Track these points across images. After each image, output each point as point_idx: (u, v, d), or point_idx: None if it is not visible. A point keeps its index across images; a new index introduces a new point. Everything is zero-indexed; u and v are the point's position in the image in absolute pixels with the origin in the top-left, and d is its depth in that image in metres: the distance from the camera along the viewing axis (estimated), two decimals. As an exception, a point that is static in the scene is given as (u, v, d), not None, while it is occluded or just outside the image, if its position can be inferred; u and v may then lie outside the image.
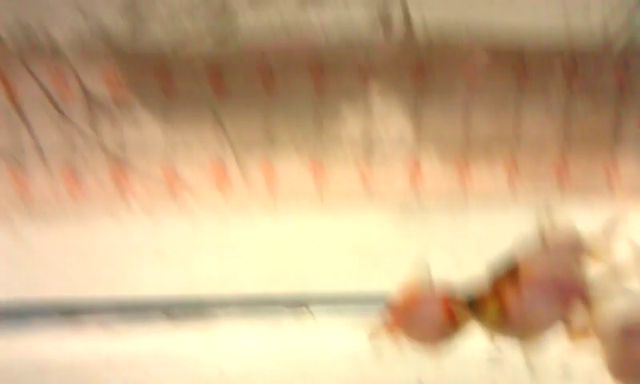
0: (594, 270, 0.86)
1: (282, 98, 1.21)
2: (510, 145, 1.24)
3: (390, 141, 1.24)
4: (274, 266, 1.28)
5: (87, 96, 1.18)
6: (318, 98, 1.21)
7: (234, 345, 1.18)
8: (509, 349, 0.91)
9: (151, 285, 1.27)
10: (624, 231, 0.92)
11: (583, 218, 0.98)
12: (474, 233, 1.26)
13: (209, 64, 1.18)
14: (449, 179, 1.26)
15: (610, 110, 1.23)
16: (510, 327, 0.81)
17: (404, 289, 0.93)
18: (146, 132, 1.21)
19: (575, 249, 0.88)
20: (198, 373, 1.10)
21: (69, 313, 1.23)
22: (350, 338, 1.20)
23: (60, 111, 1.18)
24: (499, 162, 1.25)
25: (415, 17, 1.19)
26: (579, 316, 0.83)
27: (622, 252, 0.86)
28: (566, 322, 0.84)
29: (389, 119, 1.23)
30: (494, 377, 1.04)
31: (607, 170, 1.25)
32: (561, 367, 1.07)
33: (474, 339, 0.90)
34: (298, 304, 1.29)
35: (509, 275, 0.82)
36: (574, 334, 0.85)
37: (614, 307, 0.83)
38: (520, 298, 0.81)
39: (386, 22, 1.19)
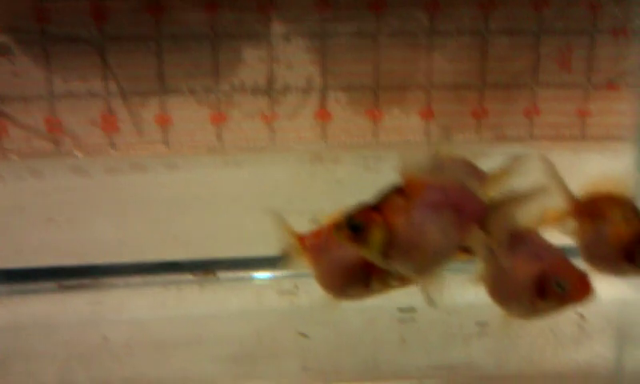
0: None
1: (176, 40, 1.10)
2: (425, 90, 1.15)
3: (297, 88, 1.15)
4: (174, 228, 1.19)
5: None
6: (215, 41, 1.11)
7: (123, 313, 1.10)
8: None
9: (41, 252, 1.17)
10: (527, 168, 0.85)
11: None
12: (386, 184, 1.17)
13: (94, 4, 1.07)
14: (360, 128, 1.17)
15: (530, 52, 1.14)
16: (400, 254, 0.70)
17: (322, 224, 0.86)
18: (26, 81, 1.10)
19: (471, 175, 0.79)
20: (80, 340, 1.01)
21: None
22: (247, 301, 1.12)
23: None
24: (413, 108, 1.16)
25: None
26: (476, 242, 0.74)
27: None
28: (463, 249, 0.75)
29: (294, 64, 1.14)
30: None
31: (528, 113, 1.17)
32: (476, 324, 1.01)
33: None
34: (202, 270, 1.20)
35: (396, 198, 0.70)
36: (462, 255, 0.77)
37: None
38: (409, 221, 0.69)
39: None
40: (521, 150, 1.16)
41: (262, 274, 1.19)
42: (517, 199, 0.75)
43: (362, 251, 0.70)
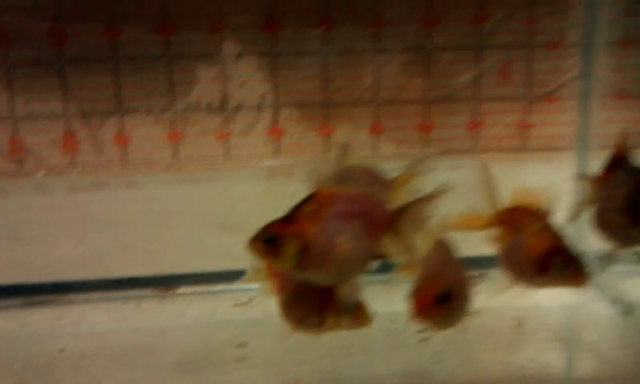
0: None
1: (133, 62, 1.15)
2: (373, 106, 1.20)
3: (250, 106, 1.19)
4: (134, 244, 1.22)
5: None
6: (170, 62, 1.16)
7: (82, 326, 1.13)
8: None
9: (5, 270, 1.21)
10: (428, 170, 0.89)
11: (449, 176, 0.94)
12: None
13: (51, 28, 1.13)
14: (312, 144, 1.21)
15: (470, 66, 1.19)
16: (314, 264, 0.72)
17: None
18: (-12, 104, 1.15)
19: (378, 184, 0.83)
20: (38, 352, 1.04)
21: None
22: (203, 313, 1.15)
23: None
24: (363, 124, 1.21)
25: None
26: (392, 250, 0.77)
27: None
28: (377, 257, 0.78)
29: (247, 83, 1.19)
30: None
31: (472, 126, 1.21)
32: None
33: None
34: (161, 285, 1.24)
35: (307, 209, 0.72)
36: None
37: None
38: (321, 231, 0.71)
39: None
40: (465, 162, 1.21)
41: (218, 288, 1.22)
42: (421, 202, 0.77)
43: (278, 263, 0.72)
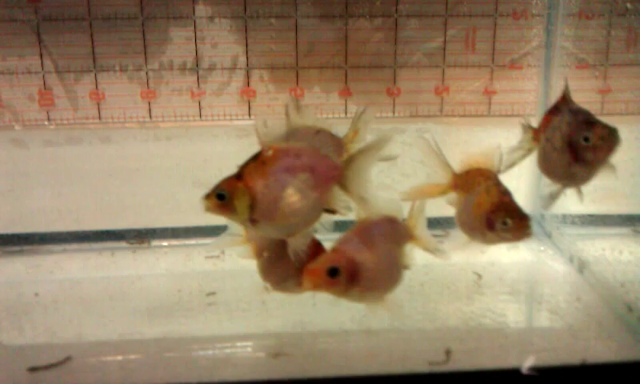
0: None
1: (108, 21, 1.18)
2: (342, 70, 1.24)
3: (223, 66, 1.23)
4: (108, 198, 1.26)
5: None
6: (144, 22, 1.19)
7: (56, 274, 1.18)
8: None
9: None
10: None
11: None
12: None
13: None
14: (283, 105, 1.25)
15: (438, 34, 1.23)
16: (264, 217, 0.77)
17: None
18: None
19: (330, 142, 0.87)
20: (14, 296, 1.09)
21: None
22: (175, 264, 1.20)
23: None
24: (333, 87, 1.25)
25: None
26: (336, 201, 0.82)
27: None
28: (328, 211, 0.82)
29: (220, 44, 1.22)
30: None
31: (438, 92, 1.26)
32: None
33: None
34: (135, 238, 1.28)
35: (255, 165, 0.77)
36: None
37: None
38: (268, 185, 0.76)
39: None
40: (431, 127, 1.26)
41: (191, 242, 1.27)
42: (365, 152, 0.82)
43: (231, 218, 0.78)
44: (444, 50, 1.24)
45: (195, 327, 1.00)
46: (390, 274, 0.84)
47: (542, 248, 1.26)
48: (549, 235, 1.29)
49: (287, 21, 1.21)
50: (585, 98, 1.25)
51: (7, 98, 1.20)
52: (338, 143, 0.89)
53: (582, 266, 1.14)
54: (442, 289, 1.09)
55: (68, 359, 0.90)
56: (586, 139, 0.91)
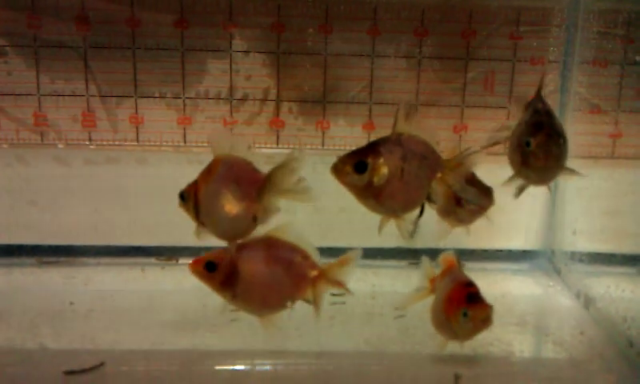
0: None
1: (150, 51, 1.27)
2: (367, 105, 1.31)
3: (254, 97, 1.31)
4: (142, 216, 1.34)
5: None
6: (184, 53, 1.28)
7: (90, 285, 1.25)
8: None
9: (23, 231, 1.33)
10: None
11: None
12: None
13: (78, 15, 1.24)
14: (309, 136, 1.32)
15: (458, 75, 1.30)
16: (205, 217, 0.90)
17: None
18: (17, 80, 1.26)
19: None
20: (50, 305, 1.16)
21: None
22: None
23: None
24: (357, 121, 1.32)
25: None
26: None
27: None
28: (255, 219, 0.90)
29: (253, 77, 1.30)
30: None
31: (457, 130, 1.32)
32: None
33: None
34: (165, 255, 1.36)
35: (204, 173, 0.91)
36: None
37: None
38: (206, 191, 0.89)
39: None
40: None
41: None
42: (278, 169, 0.91)
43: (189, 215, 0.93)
44: (463, 90, 1.31)
45: (219, 341, 1.07)
46: (266, 293, 0.92)
47: (551, 283, 1.31)
48: (558, 271, 1.34)
49: (317, 58, 1.29)
50: (597, 141, 1.32)
51: (53, 118, 1.29)
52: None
53: (587, 302, 1.19)
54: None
55: (101, 365, 0.97)
56: (528, 144, 0.95)
